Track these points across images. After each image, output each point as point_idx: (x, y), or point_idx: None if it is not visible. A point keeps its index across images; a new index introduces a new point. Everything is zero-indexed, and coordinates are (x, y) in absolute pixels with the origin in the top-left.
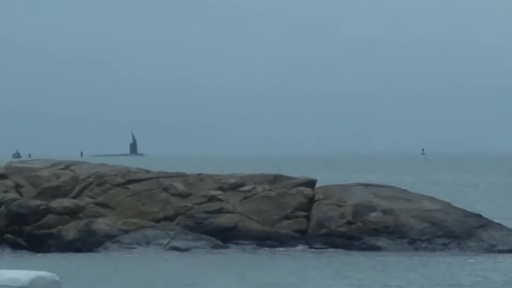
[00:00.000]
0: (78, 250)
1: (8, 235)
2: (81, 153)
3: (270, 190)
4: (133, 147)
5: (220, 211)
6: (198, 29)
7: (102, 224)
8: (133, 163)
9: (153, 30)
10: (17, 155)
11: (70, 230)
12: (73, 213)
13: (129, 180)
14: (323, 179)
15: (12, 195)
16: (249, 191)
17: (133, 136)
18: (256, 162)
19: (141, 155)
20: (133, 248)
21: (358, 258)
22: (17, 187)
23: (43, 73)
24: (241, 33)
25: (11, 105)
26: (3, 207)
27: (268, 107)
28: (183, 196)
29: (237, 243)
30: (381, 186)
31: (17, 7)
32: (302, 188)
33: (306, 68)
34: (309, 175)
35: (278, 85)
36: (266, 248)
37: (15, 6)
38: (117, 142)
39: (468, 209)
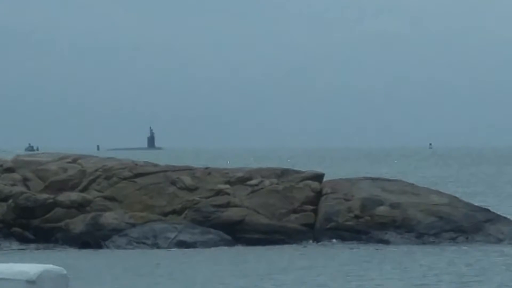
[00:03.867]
0: (85, 243)
1: (16, 229)
2: (98, 146)
3: (277, 184)
4: (151, 141)
5: (228, 205)
6: (216, 22)
7: (109, 218)
8: (150, 156)
9: (171, 23)
10: (30, 148)
11: (78, 224)
12: (80, 207)
13: (137, 173)
14: (330, 173)
15: (20, 188)
16: (256, 185)
17: (150, 130)
18: (272, 155)
19: (159, 148)
20: (141, 242)
21: (365, 252)
22: (25, 180)
23: (59, 65)
24: (260, 27)
25: (26, 98)
26: (10, 201)
27: (286, 100)
28: (191, 189)
29: (245, 237)
30: (389, 180)
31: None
32: (309, 182)
33: (321, 62)
34: (317, 168)
35: (295, 79)
36: (274, 242)
37: None
38: (134, 135)
39: (475, 203)
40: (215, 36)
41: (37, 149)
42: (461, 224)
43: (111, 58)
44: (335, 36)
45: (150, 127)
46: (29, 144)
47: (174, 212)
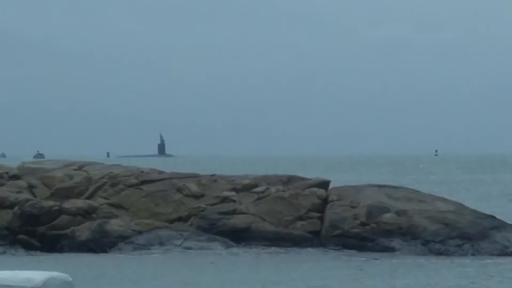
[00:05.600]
0: (91, 250)
1: (22, 236)
2: (108, 153)
3: (283, 191)
4: (161, 148)
5: (234, 212)
6: (220, 30)
7: (115, 225)
8: (161, 164)
9: (179, 30)
10: (39, 155)
11: (84, 231)
12: (86, 214)
13: (143, 181)
14: (336, 180)
15: (25, 195)
16: (262, 192)
17: (161, 137)
18: (281, 162)
19: (169, 155)
20: (147, 249)
21: (372, 260)
22: (30, 187)
23: (69, 73)
24: (268, 32)
25: (36, 105)
26: (16, 208)
27: (292, 106)
28: (197, 197)
29: (251, 244)
30: (394, 187)
31: (52, 7)
32: (315, 189)
33: (325, 68)
34: (323, 176)
35: (300, 85)
36: (280, 249)
37: (50, 6)
38: (145, 142)
39: (481, 210)
40: (225, 45)
41: (43, 156)
42: (467, 231)
43: (121, 65)
44: (339, 42)
45: (161, 134)
46: (38, 151)
47: (180, 219)
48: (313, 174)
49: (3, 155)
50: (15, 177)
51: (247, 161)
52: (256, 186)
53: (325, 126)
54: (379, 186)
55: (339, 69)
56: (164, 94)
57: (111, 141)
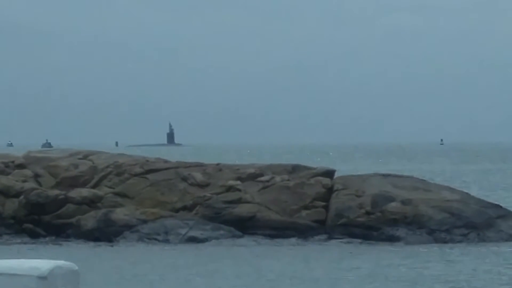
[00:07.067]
0: (96, 239)
1: (27, 225)
2: (116, 143)
3: (288, 180)
4: (170, 137)
5: (239, 201)
6: (233, 19)
7: (120, 214)
8: (169, 153)
9: (189, 20)
10: (47, 144)
11: (89, 220)
12: (91, 203)
13: (148, 170)
14: (342, 170)
15: (31, 184)
16: (267, 181)
17: (170, 126)
18: (291, 151)
19: (178, 145)
20: (152, 238)
21: (377, 249)
22: (36, 176)
23: (79, 62)
24: (278, 20)
25: (45, 95)
26: (22, 197)
27: (305, 95)
28: (202, 186)
29: (256, 233)
30: (400, 176)
31: None
32: (320, 178)
33: (331, 58)
34: (327, 165)
35: (310, 74)
36: (285, 238)
37: None
38: (154, 132)
39: (487, 199)
40: (233, 33)
41: (50, 145)
42: (473, 221)
43: (130, 54)
44: (348, 31)
45: (170, 123)
46: (46, 140)
47: (185, 208)
48: (323, 163)
49: (10, 144)
50: (21, 166)
51: (256, 150)
52: (261, 175)
53: (332, 114)
54: (384, 175)
55: (348, 56)
56: (174, 83)
57: (120, 130)
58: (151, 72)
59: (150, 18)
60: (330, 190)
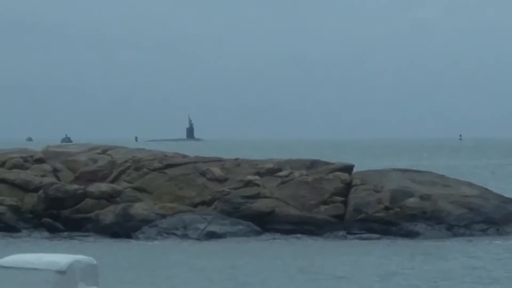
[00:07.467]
0: (115, 234)
1: (46, 219)
2: (136, 138)
3: (307, 175)
4: (190, 132)
5: (257, 196)
6: (253, 15)
7: (139, 209)
8: (189, 148)
9: (208, 16)
10: (66, 139)
11: (108, 215)
12: (110, 198)
13: (166, 164)
14: (360, 165)
15: (50, 179)
16: (286, 176)
17: (190, 121)
18: (315, 146)
19: (198, 139)
20: (170, 233)
21: (396, 244)
22: (55, 171)
23: (99, 58)
24: (307, 17)
25: (65, 89)
26: (41, 191)
27: (326, 91)
28: (220, 180)
29: (274, 228)
30: (419, 171)
31: None
32: (339, 173)
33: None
34: (346, 160)
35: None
36: (303, 234)
37: None
38: (173, 126)
39: (506, 195)
40: (254, 28)
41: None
42: (492, 216)
43: (151, 51)
44: (364, 25)
45: (189, 118)
46: (66, 135)
47: (203, 203)
48: (336, 158)
49: (30, 139)
50: (40, 160)
51: (275, 145)
52: (280, 170)
53: (350, 109)
54: (403, 170)
55: (365, 50)
56: (193, 77)
57: (140, 125)
58: (171, 67)
59: (171, 14)
60: (348, 185)
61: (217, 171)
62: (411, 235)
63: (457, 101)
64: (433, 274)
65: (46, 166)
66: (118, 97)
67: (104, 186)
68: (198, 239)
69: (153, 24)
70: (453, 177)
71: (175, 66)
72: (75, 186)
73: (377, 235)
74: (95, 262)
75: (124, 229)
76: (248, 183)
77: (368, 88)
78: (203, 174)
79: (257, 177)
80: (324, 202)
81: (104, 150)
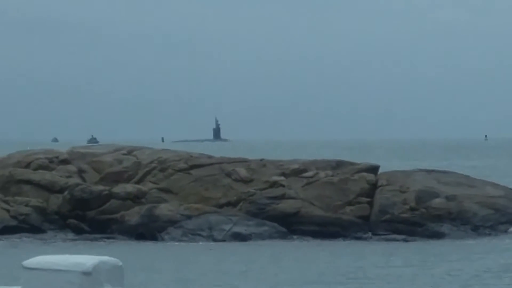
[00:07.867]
0: (140, 235)
1: (72, 220)
2: (162, 138)
3: (332, 176)
4: (217, 132)
5: (283, 196)
6: (280, 14)
7: (164, 210)
8: (216, 148)
9: (234, 15)
10: (93, 140)
11: (133, 216)
12: (136, 199)
13: (192, 165)
14: (386, 165)
15: (75, 180)
16: (311, 177)
17: (216, 121)
18: (336, 146)
19: (225, 140)
20: (196, 234)
21: (423, 245)
22: (80, 172)
23: (125, 57)
24: (322, 18)
25: (91, 90)
26: (66, 192)
27: (349, 90)
28: (246, 181)
29: (300, 229)
30: (444, 172)
31: None
32: (364, 174)
33: (377, 53)
34: (371, 161)
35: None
36: (329, 234)
37: None
38: (200, 127)
39: None
40: (282, 29)
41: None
42: None
43: (176, 50)
44: (391, 26)
45: (216, 119)
46: (92, 135)
47: (229, 204)
48: (361, 159)
49: (55, 140)
50: (65, 161)
51: (301, 145)
52: (305, 171)
53: (374, 112)
54: (428, 171)
55: (390, 51)
56: (220, 78)
57: (166, 126)
58: (198, 67)
59: (196, 12)
60: (374, 186)
61: (242, 171)
62: (436, 236)
63: (482, 101)
64: (464, 276)
65: (71, 167)
66: (145, 97)
67: (129, 187)
68: (223, 240)
69: (179, 23)
70: (478, 177)
71: (201, 66)
72: (100, 187)
73: (403, 236)
74: (120, 263)
75: (149, 230)
76: (274, 184)
77: (393, 89)
78: (228, 174)
79: (282, 177)
80: (350, 203)
81: (130, 151)
